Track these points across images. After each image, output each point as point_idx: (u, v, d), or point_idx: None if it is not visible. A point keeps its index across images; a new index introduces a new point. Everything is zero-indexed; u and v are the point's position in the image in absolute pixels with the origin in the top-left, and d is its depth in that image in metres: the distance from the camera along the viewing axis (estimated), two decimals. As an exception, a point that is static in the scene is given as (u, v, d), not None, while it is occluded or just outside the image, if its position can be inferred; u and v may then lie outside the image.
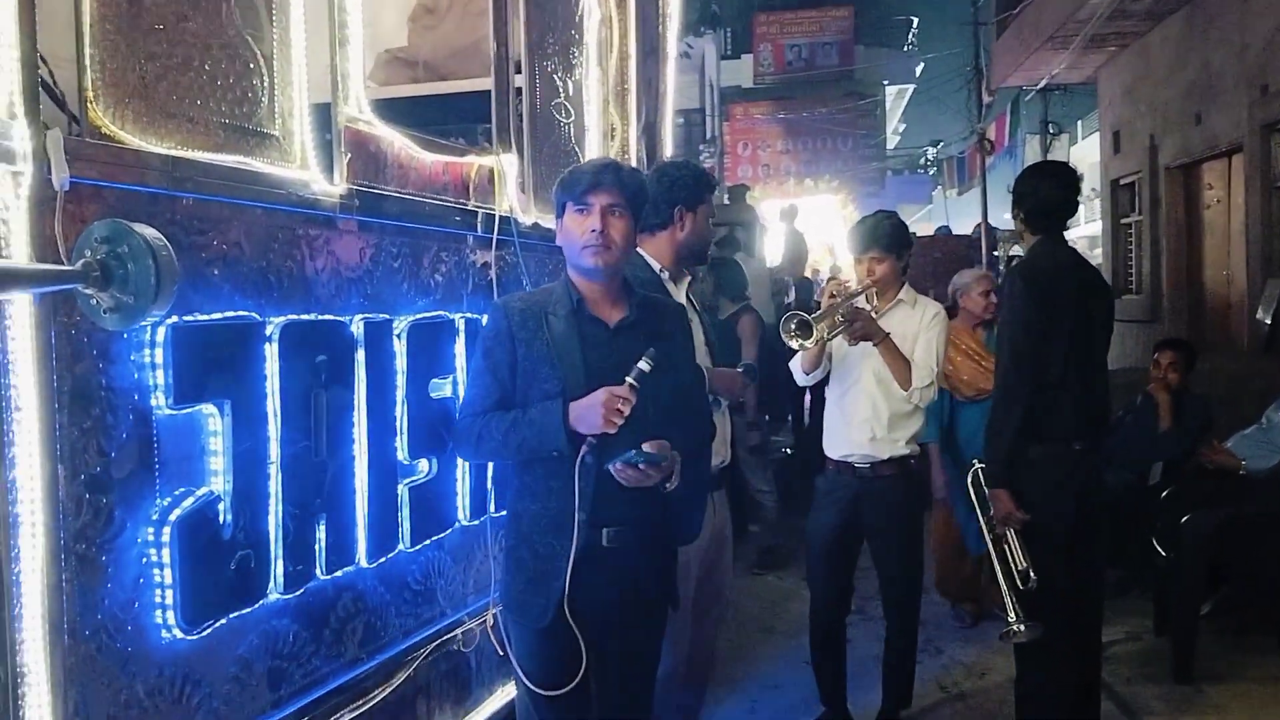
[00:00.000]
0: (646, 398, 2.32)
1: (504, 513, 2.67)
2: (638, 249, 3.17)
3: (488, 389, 2.44)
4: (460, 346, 2.82)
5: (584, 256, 2.41)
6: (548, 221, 3.29)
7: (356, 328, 2.40)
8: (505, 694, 3.06)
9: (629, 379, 2.30)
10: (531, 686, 2.47)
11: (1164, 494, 4.87)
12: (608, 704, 2.57)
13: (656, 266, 3.09)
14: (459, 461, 2.80)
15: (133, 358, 1.81)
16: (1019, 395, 3.35)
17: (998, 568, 3.46)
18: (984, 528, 3.55)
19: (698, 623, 3.18)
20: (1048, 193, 3.50)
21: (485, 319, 2.53)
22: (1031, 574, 3.35)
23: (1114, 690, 4.27)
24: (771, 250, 10.45)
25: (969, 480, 3.77)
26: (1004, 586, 3.43)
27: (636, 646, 2.56)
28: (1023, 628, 3.38)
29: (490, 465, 2.86)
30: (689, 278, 3.21)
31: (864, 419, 3.69)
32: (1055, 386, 3.35)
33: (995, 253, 12.80)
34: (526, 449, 2.39)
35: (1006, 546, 3.45)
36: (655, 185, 3.06)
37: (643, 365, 2.31)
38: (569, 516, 2.35)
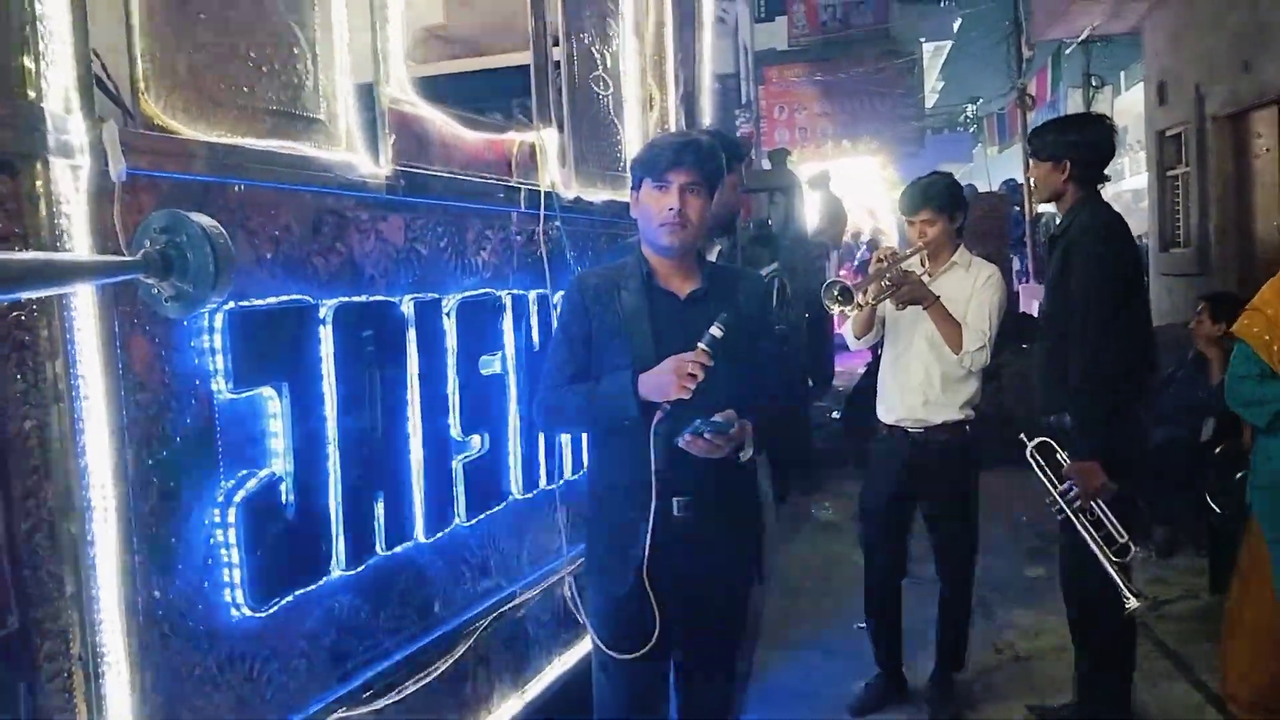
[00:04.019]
0: (720, 366, 2.33)
1: (584, 473, 2.74)
2: None
3: (564, 362, 2.50)
4: (508, 323, 2.84)
5: (660, 235, 2.44)
6: (590, 195, 3.31)
7: (407, 307, 2.43)
8: (563, 664, 3.11)
9: (701, 344, 2.30)
10: (607, 650, 2.51)
11: (1217, 450, 4.80)
12: (690, 673, 2.62)
13: None
14: (510, 436, 2.84)
15: (193, 344, 1.85)
16: (1112, 357, 3.13)
17: (1097, 549, 3.15)
18: (1063, 504, 3.21)
19: None
20: (1101, 141, 3.36)
21: (562, 294, 2.59)
22: (1133, 546, 3.14)
23: (1170, 649, 4.25)
24: (810, 215, 10.36)
25: (1030, 455, 3.35)
26: (1109, 567, 3.15)
27: (716, 617, 2.58)
28: (1139, 602, 3.13)
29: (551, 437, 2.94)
30: (717, 247, 3.20)
31: (917, 383, 3.67)
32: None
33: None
34: (602, 421, 2.46)
35: (1090, 521, 3.20)
36: None
37: (715, 331, 2.31)
38: (645, 486, 2.36)
